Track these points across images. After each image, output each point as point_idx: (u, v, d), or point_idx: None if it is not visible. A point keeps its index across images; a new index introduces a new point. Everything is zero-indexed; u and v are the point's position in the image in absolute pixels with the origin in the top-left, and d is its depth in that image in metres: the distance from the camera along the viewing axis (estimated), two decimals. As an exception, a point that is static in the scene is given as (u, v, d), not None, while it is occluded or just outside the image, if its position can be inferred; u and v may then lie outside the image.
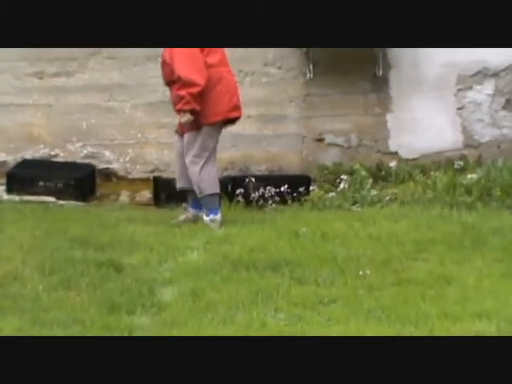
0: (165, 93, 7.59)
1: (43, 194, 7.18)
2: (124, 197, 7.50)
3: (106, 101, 7.73)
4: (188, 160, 6.08)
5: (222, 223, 6.02)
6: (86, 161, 7.70)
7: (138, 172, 7.75)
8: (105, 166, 7.74)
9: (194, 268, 4.95)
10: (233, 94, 6.18)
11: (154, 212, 6.78)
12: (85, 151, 7.77)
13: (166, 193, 7.15)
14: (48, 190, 7.23)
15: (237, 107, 6.22)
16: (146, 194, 7.48)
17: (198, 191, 6.08)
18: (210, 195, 6.06)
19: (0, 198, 7.07)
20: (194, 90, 5.96)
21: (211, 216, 6.05)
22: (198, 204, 6.19)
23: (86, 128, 7.75)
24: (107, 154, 7.76)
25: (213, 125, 6.12)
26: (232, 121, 6.29)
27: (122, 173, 7.76)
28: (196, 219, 6.15)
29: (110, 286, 4.67)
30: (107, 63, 7.71)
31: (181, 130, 6.19)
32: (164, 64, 6.18)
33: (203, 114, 6.04)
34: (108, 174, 7.74)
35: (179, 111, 6.06)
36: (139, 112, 7.73)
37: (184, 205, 6.46)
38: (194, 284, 4.68)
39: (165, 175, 7.49)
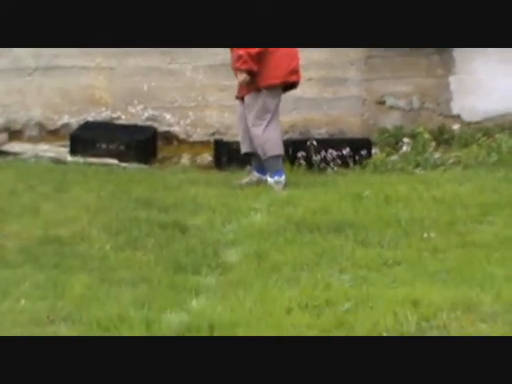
0: (226, 55, 7.60)
1: (105, 156, 7.27)
2: (185, 160, 7.56)
3: (167, 63, 7.77)
4: (250, 122, 6.11)
5: (286, 185, 6.05)
6: (148, 123, 7.76)
7: (198, 135, 7.79)
8: (166, 128, 7.80)
9: (258, 230, 4.98)
10: (292, 59, 6.19)
11: (215, 174, 6.83)
12: (146, 114, 7.83)
13: (227, 155, 7.18)
14: (110, 152, 7.31)
15: (295, 71, 6.23)
16: (207, 157, 7.53)
17: (261, 153, 6.11)
18: (273, 157, 6.09)
19: (64, 160, 7.18)
20: (253, 50, 6.00)
21: (275, 178, 6.08)
22: (261, 168, 6.22)
23: (146, 90, 7.81)
24: (168, 116, 7.82)
25: (272, 87, 6.13)
26: (291, 85, 6.30)
27: (182, 136, 7.81)
28: (259, 183, 6.19)
29: (176, 246, 4.72)
30: (168, 26, 7.73)
31: (240, 93, 6.21)
32: None
33: (262, 76, 6.07)
34: (169, 137, 7.80)
35: (236, 70, 6.11)
36: (200, 74, 7.76)
37: (248, 168, 6.49)
38: (258, 246, 4.71)
39: (226, 138, 7.53)
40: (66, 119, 7.84)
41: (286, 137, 7.43)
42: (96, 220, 5.10)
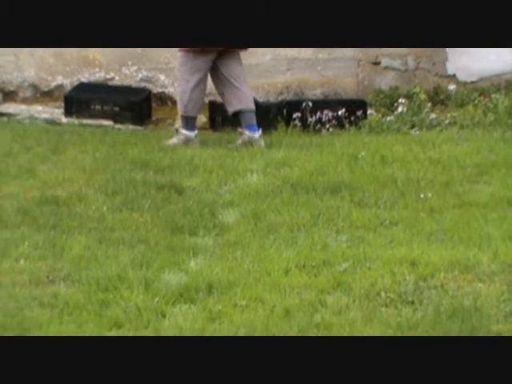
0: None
1: (100, 118, 7.24)
2: (180, 121, 7.53)
3: (161, 24, 7.71)
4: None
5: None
6: (142, 85, 7.72)
7: (193, 96, 7.74)
8: (160, 90, 7.76)
9: (254, 190, 4.99)
10: None
11: (210, 135, 6.81)
12: (140, 75, 7.78)
13: (222, 116, 7.16)
14: (105, 114, 7.28)
15: None
16: (202, 118, 7.48)
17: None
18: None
19: (59, 121, 7.15)
20: None
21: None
22: (252, 125, 6.21)
23: (140, 52, 7.74)
24: (162, 78, 7.78)
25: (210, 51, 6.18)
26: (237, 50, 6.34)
27: (177, 97, 7.76)
28: (252, 141, 6.19)
29: (172, 207, 4.74)
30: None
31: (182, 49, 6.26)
32: None
33: None
34: (163, 99, 7.76)
35: None
36: (194, 35, 7.70)
37: (239, 129, 6.48)
38: (255, 206, 4.73)
39: (220, 99, 7.49)
40: (59, 80, 7.80)
41: (281, 98, 7.42)
42: (92, 181, 5.10)
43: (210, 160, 5.67)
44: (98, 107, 7.27)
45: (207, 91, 7.69)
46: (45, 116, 7.29)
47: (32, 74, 7.79)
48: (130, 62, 7.77)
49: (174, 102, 7.75)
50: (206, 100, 7.55)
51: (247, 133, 6.26)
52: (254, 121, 6.28)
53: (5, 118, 7.22)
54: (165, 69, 7.74)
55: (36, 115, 7.28)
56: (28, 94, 7.78)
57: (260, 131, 6.26)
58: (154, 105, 7.66)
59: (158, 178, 5.20)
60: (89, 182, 5.08)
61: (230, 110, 6.34)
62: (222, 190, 5.08)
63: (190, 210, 4.68)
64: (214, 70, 6.36)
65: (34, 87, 7.79)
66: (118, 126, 7.12)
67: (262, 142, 6.18)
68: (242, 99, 6.30)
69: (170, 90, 7.75)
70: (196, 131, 6.39)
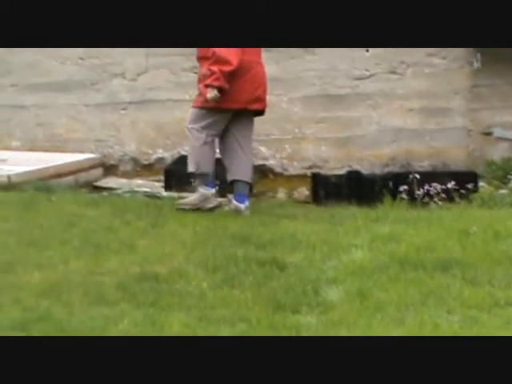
0: (322, 86, 7.68)
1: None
2: (281, 194, 7.61)
3: (262, 95, 7.84)
4: (190, 126, 6.36)
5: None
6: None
7: (295, 168, 7.83)
8: (261, 162, 7.86)
9: (360, 267, 4.96)
10: (259, 86, 6.36)
11: (313, 209, 6.84)
12: (241, 147, 7.90)
13: (325, 189, 7.20)
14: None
15: (260, 99, 6.40)
16: (304, 191, 7.55)
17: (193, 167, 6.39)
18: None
19: (159, 195, 7.31)
20: (227, 68, 6.16)
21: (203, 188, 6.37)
22: (242, 195, 6.37)
23: (242, 123, 7.88)
24: (263, 150, 7.89)
25: (227, 110, 6.28)
26: (255, 113, 6.47)
27: (278, 169, 7.86)
28: (238, 211, 6.36)
29: (274, 284, 4.74)
30: (263, 56, 7.82)
31: (196, 103, 6.37)
32: None
33: (224, 97, 6.23)
34: (264, 171, 7.86)
35: (207, 86, 6.23)
36: (296, 106, 7.81)
37: (228, 196, 6.61)
38: (360, 283, 4.69)
39: (323, 171, 7.55)
40: (160, 153, 7.99)
41: (387, 170, 7.41)
42: (192, 256, 5.16)
43: (312, 235, 5.67)
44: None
45: (310, 163, 7.79)
46: (145, 189, 7.48)
47: (133, 148, 8.02)
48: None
49: (276, 175, 7.84)
50: (309, 172, 7.64)
51: (234, 202, 6.42)
52: (245, 191, 6.44)
53: (105, 193, 7.43)
54: (266, 140, 7.86)
55: (136, 189, 7.48)
56: (128, 167, 8.00)
57: (247, 202, 6.40)
58: (255, 177, 7.74)
59: (260, 254, 5.22)
60: (189, 257, 5.15)
61: (230, 177, 6.47)
62: (325, 266, 5.06)
63: (292, 286, 4.68)
64: (224, 132, 6.47)
65: (135, 161, 8.01)
66: (219, 199, 7.23)
67: (247, 213, 6.34)
68: (241, 169, 6.44)
69: (271, 163, 7.85)
70: (214, 189, 6.46)
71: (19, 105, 8.36)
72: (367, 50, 7.55)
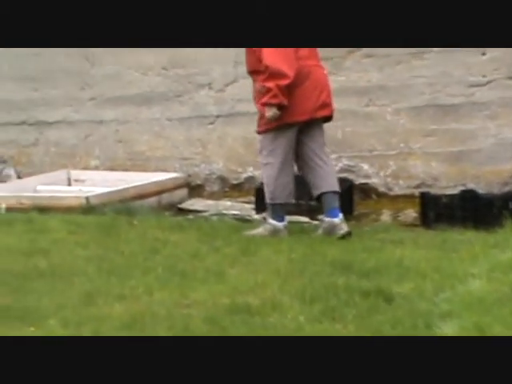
0: (432, 95, 7.60)
1: (295, 213, 7.37)
2: (386, 216, 7.56)
3: (363, 106, 7.83)
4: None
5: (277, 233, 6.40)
6: (342, 175, 7.81)
7: (401, 188, 7.77)
8: (363, 180, 7.83)
9: (477, 299, 4.88)
10: (322, 91, 6.34)
11: (422, 233, 6.77)
12: (340, 164, 7.89)
13: (435, 211, 7.13)
14: (300, 209, 7.41)
15: (325, 105, 6.39)
16: (411, 213, 7.49)
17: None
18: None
19: (250, 218, 7.35)
20: (284, 82, 6.13)
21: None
22: (333, 209, 6.35)
23: (341, 138, 7.87)
24: (365, 167, 7.85)
25: (294, 124, 6.30)
26: (321, 120, 6.46)
27: (382, 189, 7.81)
28: (333, 226, 6.31)
29: (380, 317, 4.70)
30: (365, 62, 7.81)
31: (261, 128, 6.42)
32: (249, 51, 6.31)
33: (287, 111, 6.21)
34: (367, 190, 7.82)
35: (265, 105, 6.24)
36: (402, 118, 7.76)
37: (320, 217, 6.61)
38: (479, 318, 4.61)
39: (433, 191, 7.47)
40: (250, 172, 8.03)
41: (507, 189, 7.29)
42: (288, 286, 5.16)
43: (422, 262, 5.62)
44: (293, 201, 7.41)
45: (418, 181, 7.71)
46: (234, 212, 7.51)
47: (220, 166, 8.08)
48: (329, 150, 7.90)
49: (379, 195, 7.80)
50: (417, 191, 7.58)
51: (327, 219, 6.39)
52: (336, 203, 6.42)
53: (191, 215, 7.49)
54: (368, 156, 7.82)
55: (224, 211, 7.52)
56: (215, 187, 8.06)
57: (341, 215, 6.37)
58: (356, 197, 7.73)
59: (363, 283, 5.20)
60: (284, 287, 5.15)
61: (316, 192, 6.46)
62: (437, 298, 5.01)
63: (400, 320, 4.63)
64: (296, 148, 6.47)
65: (223, 180, 8.06)
66: (316, 222, 7.22)
67: (345, 228, 6.31)
68: (326, 180, 6.45)
69: (374, 181, 7.81)
70: (285, 221, 6.48)
71: (98, 120, 8.52)
72: (484, 53, 7.45)
